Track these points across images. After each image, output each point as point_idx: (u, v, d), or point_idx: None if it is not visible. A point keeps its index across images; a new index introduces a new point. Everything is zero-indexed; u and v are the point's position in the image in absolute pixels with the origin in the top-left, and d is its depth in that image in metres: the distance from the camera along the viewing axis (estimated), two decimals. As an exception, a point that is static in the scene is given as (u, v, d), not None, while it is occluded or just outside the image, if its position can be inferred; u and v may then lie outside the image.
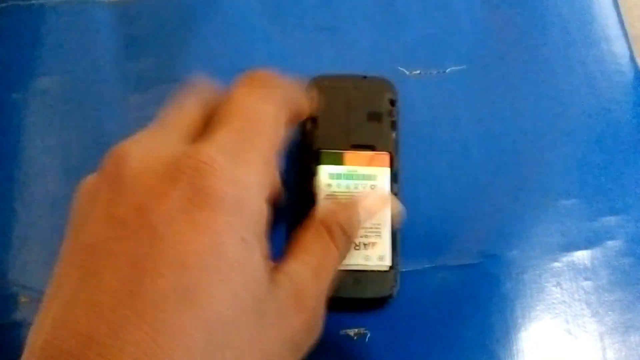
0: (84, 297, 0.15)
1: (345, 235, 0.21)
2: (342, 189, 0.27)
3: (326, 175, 0.27)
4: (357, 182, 0.27)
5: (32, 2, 0.33)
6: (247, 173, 0.17)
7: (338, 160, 0.27)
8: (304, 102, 0.23)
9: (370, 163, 0.27)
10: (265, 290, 0.17)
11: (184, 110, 0.20)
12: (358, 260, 0.26)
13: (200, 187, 0.16)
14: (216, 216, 0.16)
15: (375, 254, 0.26)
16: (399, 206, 0.26)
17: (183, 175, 0.16)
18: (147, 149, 0.18)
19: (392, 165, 0.28)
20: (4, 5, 0.33)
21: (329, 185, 0.27)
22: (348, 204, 0.23)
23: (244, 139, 0.18)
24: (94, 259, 0.15)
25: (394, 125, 0.29)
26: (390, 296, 0.26)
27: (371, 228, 0.26)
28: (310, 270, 0.19)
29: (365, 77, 0.30)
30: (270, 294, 0.17)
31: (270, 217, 0.19)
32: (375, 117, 0.29)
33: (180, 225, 0.16)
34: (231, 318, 0.15)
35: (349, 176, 0.27)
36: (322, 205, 0.25)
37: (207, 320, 0.15)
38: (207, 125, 0.19)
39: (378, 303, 0.27)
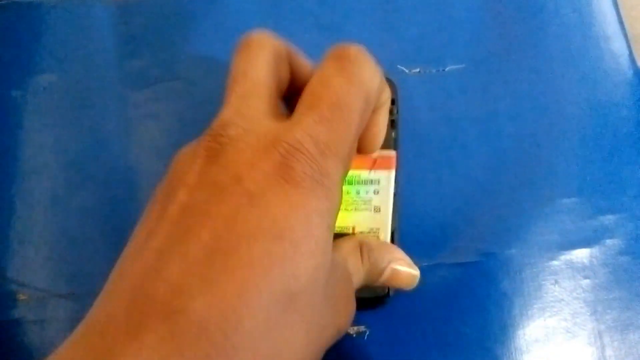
0: (178, 249, 0.15)
1: (368, 269, 0.23)
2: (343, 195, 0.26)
3: None
4: (358, 187, 0.26)
5: (32, -1, 0.33)
6: (334, 166, 0.17)
7: None
8: (387, 89, 0.22)
9: (373, 166, 0.27)
10: (330, 275, 0.18)
11: (261, 76, 0.20)
12: None
13: (292, 167, 0.16)
14: (309, 199, 0.16)
15: None
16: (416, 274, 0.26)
17: (276, 151, 0.17)
18: (241, 124, 0.18)
19: (397, 166, 0.28)
20: (3, 2, 0.33)
21: None
22: (384, 252, 0.24)
23: (333, 130, 0.18)
24: (190, 217, 0.16)
25: (393, 123, 0.29)
26: (386, 295, 0.26)
27: (369, 232, 0.26)
28: (347, 271, 0.21)
29: None
30: (332, 278, 0.18)
31: None
32: None
33: (276, 197, 0.16)
34: (307, 294, 0.16)
35: (349, 181, 0.26)
36: (366, 235, 0.25)
37: (288, 293, 0.15)
38: (292, 97, 0.21)
39: (376, 302, 0.27)
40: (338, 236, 0.22)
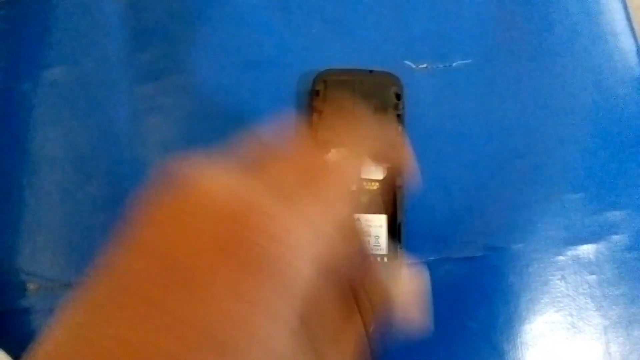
0: (90, 336, 0.12)
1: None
2: None
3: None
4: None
5: (42, -7, 0.33)
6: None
7: None
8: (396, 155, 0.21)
9: None
10: None
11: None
12: None
13: (243, 238, 0.13)
14: (274, 300, 0.13)
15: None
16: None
17: (253, 234, 0.13)
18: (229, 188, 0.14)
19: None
20: (13, -4, 0.33)
21: None
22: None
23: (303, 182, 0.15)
24: (116, 291, 0.13)
25: (399, 119, 0.29)
26: None
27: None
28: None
29: (371, 71, 0.30)
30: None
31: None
32: (380, 110, 0.29)
33: (237, 299, 0.13)
34: None
35: None
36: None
37: None
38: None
39: None
40: None
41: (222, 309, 0.12)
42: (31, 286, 0.28)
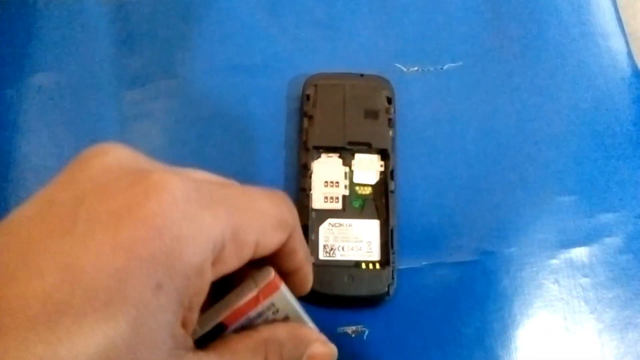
0: None
1: None
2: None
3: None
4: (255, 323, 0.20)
5: (27, -2, 0.33)
6: (209, 219, 0.15)
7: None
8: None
9: (256, 304, 0.19)
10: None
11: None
12: None
13: (143, 204, 0.14)
14: (139, 241, 0.13)
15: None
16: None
17: (138, 185, 0.14)
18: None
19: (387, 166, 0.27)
20: (-3, 1, 0.33)
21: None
22: (301, 338, 0.20)
23: (227, 198, 0.16)
24: (3, 232, 0.14)
25: (390, 123, 0.29)
26: (386, 294, 0.26)
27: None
28: None
29: (362, 75, 0.30)
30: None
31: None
32: (372, 114, 0.29)
33: (95, 232, 0.14)
34: None
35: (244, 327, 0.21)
36: (273, 326, 0.19)
37: None
38: None
39: (374, 301, 0.27)
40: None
41: (97, 255, 0.13)
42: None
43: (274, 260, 0.19)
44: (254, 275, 0.18)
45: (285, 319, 0.19)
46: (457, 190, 0.30)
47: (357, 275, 0.26)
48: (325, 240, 0.27)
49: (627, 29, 0.34)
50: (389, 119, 0.29)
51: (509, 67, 0.32)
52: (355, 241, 0.27)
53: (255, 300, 0.18)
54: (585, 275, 0.29)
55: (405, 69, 0.32)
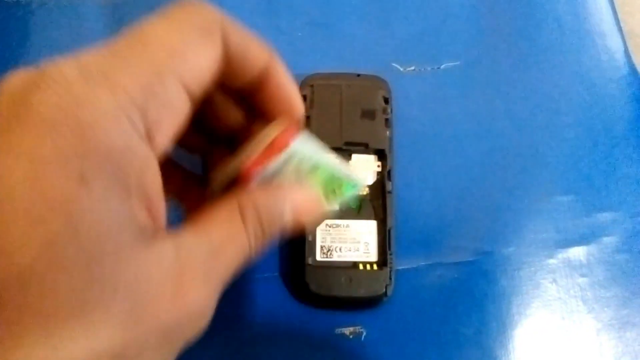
0: None
1: (260, 227, 0.17)
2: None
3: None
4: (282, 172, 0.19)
5: (21, 1, 0.32)
6: (107, 94, 0.13)
7: None
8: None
9: (273, 151, 0.18)
10: (126, 256, 0.13)
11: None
12: None
13: (28, 102, 0.13)
14: (39, 139, 0.12)
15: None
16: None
17: (22, 89, 0.13)
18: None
19: (385, 166, 0.27)
20: (-9, 2, 0.32)
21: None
22: (276, 194, 0.18)
23: (121, 59, 0.14)
24: None
25: (387, 122, 0.29)
26: (384, 294, 0.26)
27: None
28: (207, 248, 0.15)
29: (358, 75, 0.30)
30: (138, 264, 0.13)
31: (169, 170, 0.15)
32: (368, 114, 0.29)
33: None
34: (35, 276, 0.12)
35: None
36: (247, 190, 0.18)
37: None
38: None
39: (372, 302, 0.27)
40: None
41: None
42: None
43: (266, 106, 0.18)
44: (267, 129, 0.17)
45: (314, 170, 0.19)
46: (454, 191, 0.30)
47: (355, 276, 0.26)
48: (323, 241, 0.27)
49: (625, 27, 0.34)
50: (386, 119, 0.29)
51: (506, 66, 0.32)
52: (352, 242, 0.27)
53: (269, 151, 0.18)
54: (583, 275, 0.29)
55: (402, 69, 0.32)
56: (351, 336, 0.27)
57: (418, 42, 0.32)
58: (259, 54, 0.18)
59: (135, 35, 0.15)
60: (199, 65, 0.15)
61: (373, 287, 0.26)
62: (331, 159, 0.19)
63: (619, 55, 0.33)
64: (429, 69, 0.32)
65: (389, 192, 0.27)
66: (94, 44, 0.31)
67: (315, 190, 0.19)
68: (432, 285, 0.29)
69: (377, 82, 0.30)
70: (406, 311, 0.28)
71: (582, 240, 0.30)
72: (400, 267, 0.28)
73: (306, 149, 0.18)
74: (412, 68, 0.32)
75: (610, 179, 0.31)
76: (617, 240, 0.30)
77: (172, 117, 0.15)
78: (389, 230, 0.27)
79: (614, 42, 0.33)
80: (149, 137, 0.14)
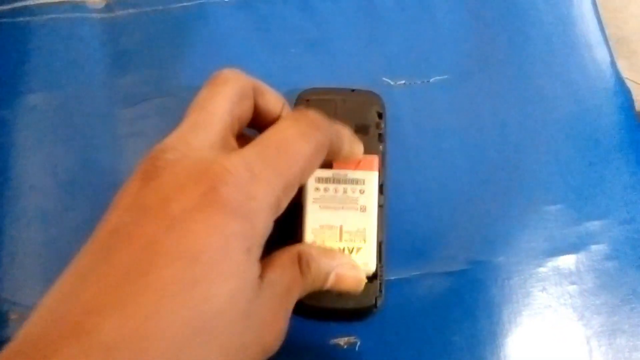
0: (98, 270, 0.16)
1: (311, 279, 0.22)
2: (330, 193, 0.27)
3: (313, 179, 0.27)
4: (345, 186, 0.27)
5: (20, 19, 0.33)
6: (263, 192, 0.19)
7: (326, 164, 0.27)
8: (346, 147, 0.25)
9: (357, 167, 0.28)
10: (255, 295, 0.18)
11: (217, 110, 0.21)
12: None
13: (218, 189, 0.17)
14: (229, 221, 0.17)
15: (360, 259, 0.26)
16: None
17: (206, 177, 0.18)
18: (182, 150, 0.19)
19: (380, 170, 0.28)
20: (-9, 23, 0.33)
21: (317, 189, 0.27)
22: (329, 258, 0.24)
23: (271, 164, 0.19)
24: (112, 239, 0.17)
25: (381, 137, 0.29)
26: (373, 306, 0.27)
27: (356, 232, 0.26)
28: (284, 288, 0.21)
29: (353, 90, 0.30)
30: (258, 299, 0.19)
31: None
32: (362, 129, 0.29)
33: (197, 220, 0.17)
34: (222, 316, 0.17)
35: (337, 180, 0.27)
36: (308, 240, 0.26)
37: (200, 315, 0.16)
38: (242, 136, 0.22)
39: (362, 314, 0.27)
40: (280, 245, 0.22)
41: (198, 240, 0.17)
42: (13, 316, 0.28)
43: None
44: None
45: (363, 209, 0.26)
46: (445, 201, 0.31)
47: None
48: None
49: (619, 34, 0.35)
50: (379, 134, 0.29)
51: (495, 78, 0.33)
52: None
53: (357, 164, 0.26)
54: (572, 283, 0.30)
55: (392, 83, 0.33)
56: (345, 346, 0.28)
57: (408, 56, 0.33)
58: (275, 104, 0.25)
59: (272, 143, 0.20)
60: (244, 120, 0.23)
61: (363, 299, 0.26)
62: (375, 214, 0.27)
63: (606, 67, 0.34)
64: (418, 82, 0.33)
65: (381, 207, 0.28)
66: (90, 63, 0.32)
67: (361, 274, 0.25)
68: (424, 295, 0.29)
69: (371, 97, 0.30)
70: (399, 321, 0.29)
71: (571, 248, 0.30)
72: (392, 278, 0.29)
73: (373, 184, 0.27)
74: (403, 82, 0.33)
75: (598, 188, 0.31)
76: (606, 248, 0.30)
77: (283, 208, 0.21)
78: (380, 244, 0.27)
79: (601, 54, 0.34)
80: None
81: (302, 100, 0.30)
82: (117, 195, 0.19)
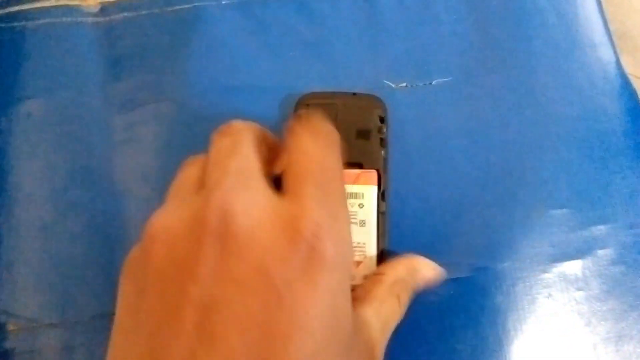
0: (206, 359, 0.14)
1: (406, 299, 0.23)
2: None
3: None
4: None
5: (14, 24, 0.33)
6: (343, 228, 0.18)
7: None
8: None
9: (356, 181, 0.27)
10: (353, 337, 0.18)
11: (249, 155, 0.19)
12: None
13: (318, 250, 0.16)
14: (332, 277, 0.16)
15: (359, 273, 0.25)
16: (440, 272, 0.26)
17: (302, 238, 0.16)
18: (248, 202, 0.17)
19: (379, 183, 0.28)
20: (-15, 28, 0.32)
21: None
22: (414, 274, 0.25)
23: (329, 194, 0.18)
24: (213, 320, 0.15)
25: (383, 142, 0.29)
26: None
27: (356, 247, 0.26)
28: (381, 322, 0.21)
29: (354, 94, 0.30)
30: (356, 340, 0.18)
31: None
32: (364, 134, 0.29)
33: (303, 289, 0.16)
34: None
35: None
36: (392, 267, 0.25)
37: None
38: (273, 164, 0.21)
39: None
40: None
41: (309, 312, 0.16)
42: (11, 327, 0.27)
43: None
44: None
45: (362, 224, 0.26)
46: (447, 206, 0.30)
47: None
48: None
49: (621, 29, 0.34)
50: (381, 139, 0.29)
51: (498, 80, 0.32)
52: None
53: (356, 177, 0.26)
54: (579, 289, 0.29)
55: (394, 85, 0.32)
56: (348, 355, 0.28)
57: (409, 58, 0.33)
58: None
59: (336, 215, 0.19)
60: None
61: None
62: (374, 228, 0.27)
63: (611, 67, 0.33)
64: (420, 84, 0.32)
65: (382, 213, 0.27)
66: (86, 68, 0.32)
67: (440, 268, 0.26)
68: (427, 302, 0.28)
69: (373, 101, 0.30)
70: (402, 328, 0.28)
71: (577, 253, 0.30)
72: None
73: (372, 200, 0.27)
74: (404, 84, 0.32)
75: (604, 191, 0.31)
76: (612, 252, 0.30)
77: None
78: (382, 251, 0.27)
79: (606, 54, 0.34)
80: None
81: (303, 104, 0.29)
82: (165, 256, 0.16)
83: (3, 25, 0.33)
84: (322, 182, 0.18)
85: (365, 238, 0.26)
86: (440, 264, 0.29)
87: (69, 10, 0.33)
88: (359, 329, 0.19)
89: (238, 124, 0.21)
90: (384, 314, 0.21)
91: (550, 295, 0.29)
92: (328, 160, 0.19)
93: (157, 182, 0.29)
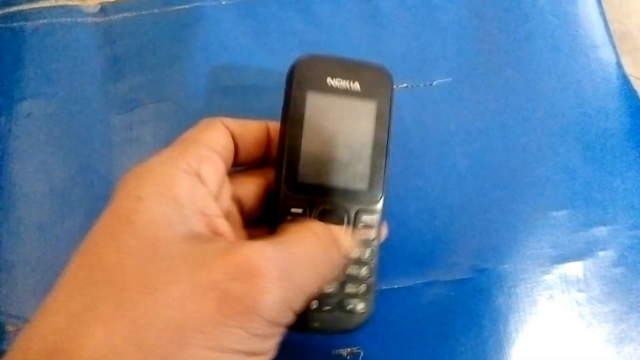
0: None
1: (337, 253, 0.21)
2: None
3: None
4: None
5: (14, 24, 0.32)
6: (184, 178, 0.20)
7: None
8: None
9: None
10: (179, 245, 0.18)
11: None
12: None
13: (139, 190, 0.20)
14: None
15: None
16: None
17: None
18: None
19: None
20: (-15, 28, 0.32)
21: None
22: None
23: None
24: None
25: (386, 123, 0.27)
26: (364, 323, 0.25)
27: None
28: (287, 257, 0.19)
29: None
30: (193, 251, 0.18)
31: None
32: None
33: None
34: None
35: None
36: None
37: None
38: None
39: (351, 330, 0.26)
40: None
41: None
42: (10, 328, 0.27)
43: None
44: None
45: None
46: (449, 208, 0.30)
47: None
48: None
49: (622, 29, 0.34)
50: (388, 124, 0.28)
51: (499, 81, 0.32)
52: None
53: None
54: (580, 290, 0.29)
55: (394, 86, 0.32)
56: (348, 357, 0.27)
57: (410, 59, 0.33)
58: (256, 127, 0.25)
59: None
60: (221, 140, 0.23)
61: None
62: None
63: (612, 68, 0.33)
64: (421, 85, 0.32)
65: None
66: (85, 68, 0.32)
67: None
68: (428, 304, 0.28)
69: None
70: (403, 330, 0.28)
71: (578, 255, 0.30)
72: (396, 286, 0.28)
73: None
74: (405, 85, 0.32)
75: (605, 193, 0.31)
76: (613, 254, 0.30)
77: (215, 173, 0.22)
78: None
79: (607, 55, 0.34)
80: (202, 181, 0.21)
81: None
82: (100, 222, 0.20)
83: (3, 25, 0.32)
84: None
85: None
86: (441, 265, 0.29)
87: (68, 10, 0.33)
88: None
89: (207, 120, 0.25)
90: (297, 251, 0.19)
91: (551, 296, 0.29)
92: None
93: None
